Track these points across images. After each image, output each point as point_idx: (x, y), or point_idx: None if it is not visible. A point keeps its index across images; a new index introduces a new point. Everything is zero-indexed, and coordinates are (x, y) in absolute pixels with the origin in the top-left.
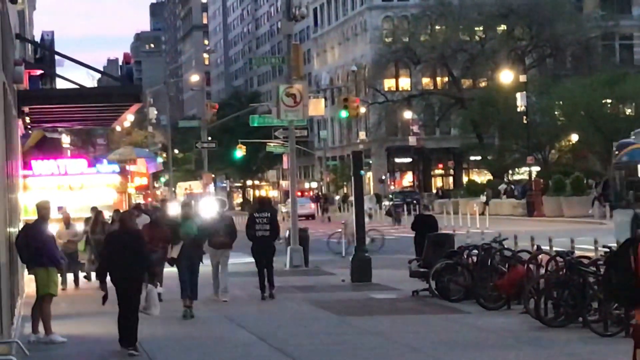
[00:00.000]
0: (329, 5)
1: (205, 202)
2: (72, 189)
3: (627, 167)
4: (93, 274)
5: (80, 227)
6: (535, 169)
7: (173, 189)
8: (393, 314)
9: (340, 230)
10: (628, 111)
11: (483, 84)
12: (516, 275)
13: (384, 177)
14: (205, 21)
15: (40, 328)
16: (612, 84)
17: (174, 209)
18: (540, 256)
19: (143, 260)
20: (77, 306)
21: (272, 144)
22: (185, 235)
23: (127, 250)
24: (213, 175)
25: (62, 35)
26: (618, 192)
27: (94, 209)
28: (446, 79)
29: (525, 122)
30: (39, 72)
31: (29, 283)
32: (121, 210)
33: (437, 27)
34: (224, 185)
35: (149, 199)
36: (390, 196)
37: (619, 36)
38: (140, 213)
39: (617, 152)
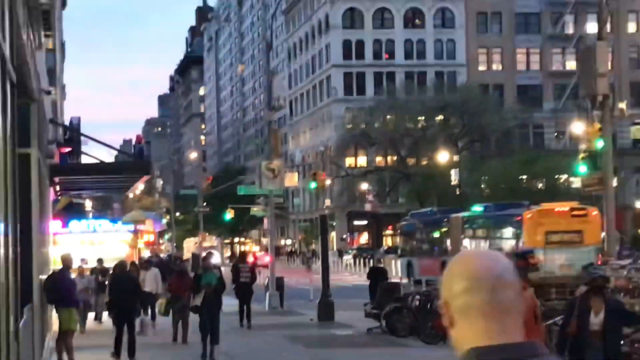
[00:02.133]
0: (302, 99)
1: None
2: (93, 244)
3: (403, 233)
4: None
5: (91, 277)
6: None
7: (174, 244)
8: (351, 347)
9: None
10: (540, 185)
11: (424, 162)
12: None
13: (344, 236)
14: (202, 110)
15: (65, 358)
16: (527, 164)
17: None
18: None
19: (137, 295)
20: (93, 340)
21: (255, 209)
22: (207, 285)
23: (127, 289)
24: (207, 234)
25: (86, 120)
26: (401, 247)
27: (100, 260)
28: (395, 157)
29: (458, 193)
30: (67, 149)
31: (55, 321)
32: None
33: (388, 117)
34: (216, 242)
35: (157, 251)
36: (305, 250)
37: (532, 125)
38: (149, 266)
39: (401, 224)
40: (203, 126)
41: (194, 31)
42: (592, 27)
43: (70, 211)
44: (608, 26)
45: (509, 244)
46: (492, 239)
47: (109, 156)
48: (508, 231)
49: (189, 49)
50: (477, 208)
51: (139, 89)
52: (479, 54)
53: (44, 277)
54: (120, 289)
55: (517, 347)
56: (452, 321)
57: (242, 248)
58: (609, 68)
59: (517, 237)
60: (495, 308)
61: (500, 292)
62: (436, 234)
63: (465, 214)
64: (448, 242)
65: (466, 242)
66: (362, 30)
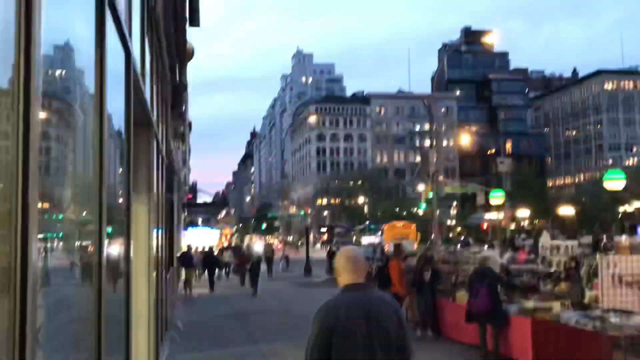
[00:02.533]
0: (298, 173)
1: (258, 244)
2: (201, 238)
3: (336, 235)
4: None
5: (200, 255)
6: None
7: (239, 239)
8: (320, 287)
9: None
10: (404, 213)
11: (353, 203)
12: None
13: (317, 236)
14: (252, 179)
15: (187, 291)
16: (398, 204)
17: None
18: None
19: (216, 264)
20: (200, 284)
21: (276, 223)
22: (253, 260)
23: (211, 261)
24: (254, 234)
25: (199, 182)
26: (335, 241)
27: (204, 247)
28: (339, 201)
29: (368, 217)
30: (190, 196)
31: (183, 274)
32: (214, 247)
33: (336, 181)
34: (259, 238)
35: (230, 242)
36: (297, 242)
37: (401, 186)
38: (229, 249)
39: (336, 230)
40: (252, 186)
41: (249, 143)
42: (427, 142)
43: (191, 224)
44: (434, 142)
45: (378, 240)
46: (372, 237)
47: (209, 199)
48: (377, 234)
49: (246, 151)
50: (367, 224)
51: (222, 169)
52: (377, 153)
53: (178, 254)
54: (208, 260)
55: (362, 284)
56: (338, 274)
57: (270, 241)
58: (434, 160)
59: (382, 236)
60: (354, 268)
61: (356, 263)
62: (350, 235)
63: (361, 227)
64: (354, 238)
65: (363, 239)
66: (325, 143)
